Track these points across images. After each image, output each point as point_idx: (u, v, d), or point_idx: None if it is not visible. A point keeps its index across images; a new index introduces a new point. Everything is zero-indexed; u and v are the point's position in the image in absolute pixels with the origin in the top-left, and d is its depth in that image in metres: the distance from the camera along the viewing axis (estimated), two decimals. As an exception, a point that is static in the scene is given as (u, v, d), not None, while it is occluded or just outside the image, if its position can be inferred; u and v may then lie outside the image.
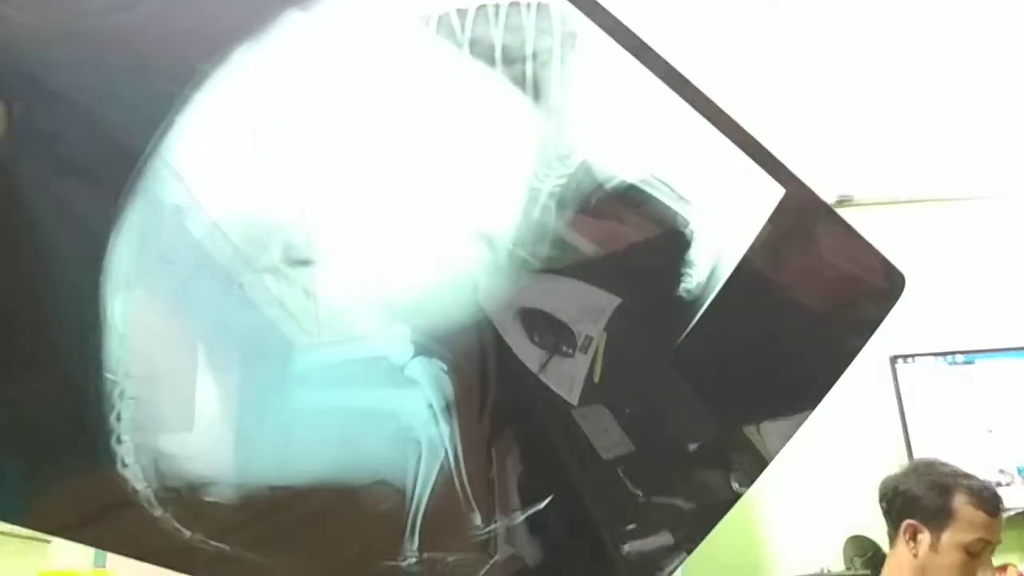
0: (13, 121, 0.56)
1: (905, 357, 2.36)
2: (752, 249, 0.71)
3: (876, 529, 2.17)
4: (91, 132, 0.58)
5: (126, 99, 0.58)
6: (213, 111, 0.59)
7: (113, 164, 0.59)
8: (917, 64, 2.25)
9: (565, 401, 0.73)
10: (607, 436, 0.75)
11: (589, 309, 0.72)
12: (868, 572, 2.14)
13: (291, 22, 0.59)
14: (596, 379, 0.73)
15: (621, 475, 0.77)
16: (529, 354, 0.71)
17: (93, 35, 0.56)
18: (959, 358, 2.39)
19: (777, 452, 0.80)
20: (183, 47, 0.59)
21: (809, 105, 2.31)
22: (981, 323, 2.43)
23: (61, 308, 0.60)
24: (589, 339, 0.73)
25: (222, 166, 0.60)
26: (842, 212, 2.36)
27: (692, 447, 0.78)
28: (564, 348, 0.73)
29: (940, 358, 2.38)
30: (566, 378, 0.73)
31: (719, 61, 2.13)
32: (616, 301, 0.72)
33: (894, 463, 2.31)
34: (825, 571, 2.21)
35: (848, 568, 2.21)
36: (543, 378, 0.72)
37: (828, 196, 2.42)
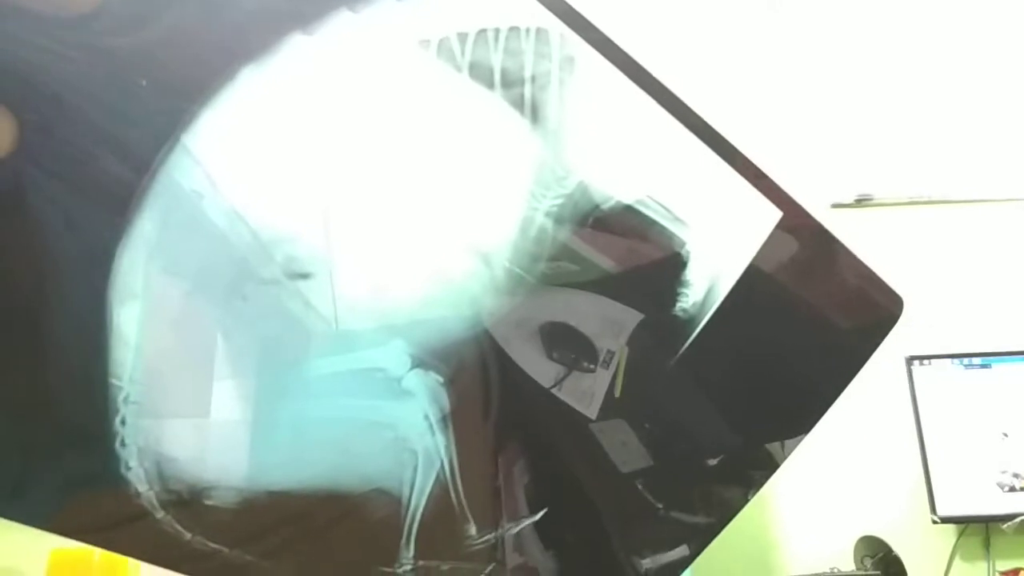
0: (22, 133, 0.58)
1: (921, 359, 2.35)
2: (748, 270, 0.71)
3: (887, 530, 2.18)
4: (97, 147, 0.59)
5: (134, 116, 0.59)
6: (219, 127, 0.61)
7: (119, 179, 0.60)
8: (939, 63, 2.23)
9: (577, 413, 0.74)
10: (625, 449, 0.76)
11: (610, 323, 0.72)
12: (878, 573, 2.13)
13: (296, 45, 0.60)
14: (618, 394, 0.74)
15: (640, 488, 0.77)
16: (539, 368, 0.72)
17: (103, 54, 0.58)
18: (975, 361, 2.37)
19: (786, 458, 0.80)
20: (193, 65, 0.60)
21: (829, 105, 2.29)
22: (999, 326, 2.41)
23: (66, 316, 0.61)
24: (611, 354, 0.74)
25: (226, 179, 0.62)
26: (861, 212, 2.35)
27: (711, 462, 0.78)
28: (586, 363, 0.73)
29: (956, 360, 2.36)
30: (585, 393, 0.73)
31: (738, 61, 2.12)
32: (638, 316, 0.72)
33: (907, 464, 2.31)
34: (835, 571, 2.21)
35: (858, 568, 2.21)
36: (558, 393, 0.73)
37: (847, 195, 2.41)
